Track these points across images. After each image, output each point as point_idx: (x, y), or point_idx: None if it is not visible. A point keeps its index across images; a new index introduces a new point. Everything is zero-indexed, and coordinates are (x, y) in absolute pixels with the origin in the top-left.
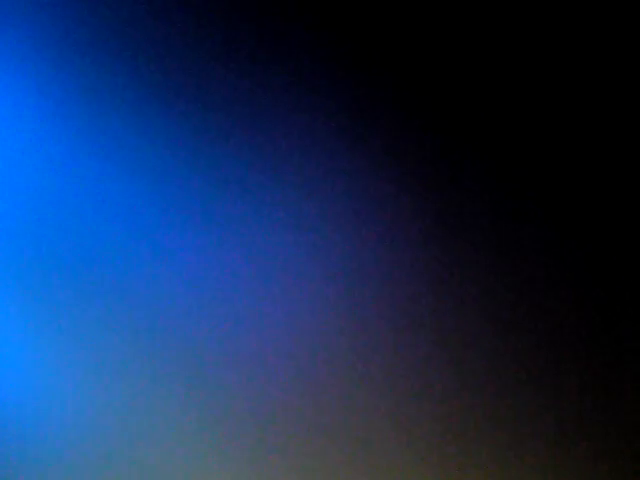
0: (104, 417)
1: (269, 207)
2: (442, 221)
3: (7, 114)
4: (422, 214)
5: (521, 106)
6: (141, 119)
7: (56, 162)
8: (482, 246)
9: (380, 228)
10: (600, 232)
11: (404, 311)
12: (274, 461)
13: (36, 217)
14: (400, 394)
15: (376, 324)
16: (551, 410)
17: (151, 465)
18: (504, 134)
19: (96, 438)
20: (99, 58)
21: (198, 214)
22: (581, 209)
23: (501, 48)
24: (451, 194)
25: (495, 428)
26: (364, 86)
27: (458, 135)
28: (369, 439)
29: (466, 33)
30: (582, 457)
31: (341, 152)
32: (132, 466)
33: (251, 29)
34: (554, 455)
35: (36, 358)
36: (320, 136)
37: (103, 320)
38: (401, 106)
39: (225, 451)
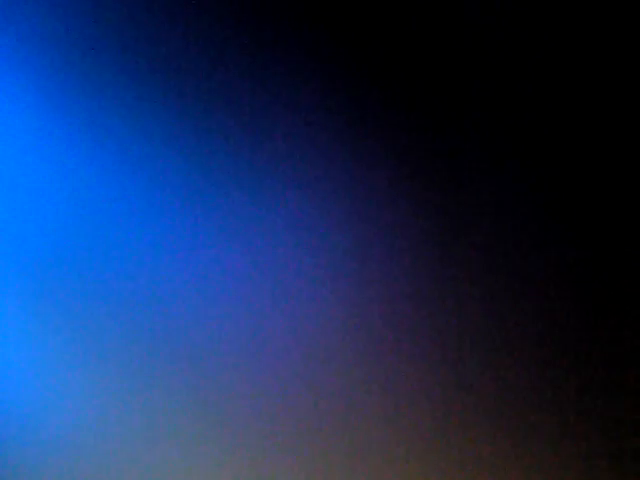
0: (105, 417)
1: (269, 207)
2: (443, 221)
3: (7, 114)
4: (423, 214)
5: (521, 105)
6: (141, 118)
7: (56, 161)
8: (483, 246)
9: (380, 228)
10: (601, 232)
11: (405, 311)
12: (274, 462)
13: (36, 215)
14: (401, 394)
15: (376, 324)
16: (551, 410)
17: (151, 465)
18: (504, 134)
19: (97, 438)
20: (99, 58)
21: (198, 214)
22: (582, 209)
23: (500, 46)
24: (451, 194)
25: (495, 428)
26: (364, 86)
27: (458, 135)
28: (370, 440)
29: (465, 32)
30: (582, 457)
31: (341, 152)
32: (132, 467)
33: (251, 29)
34: (554, 455)
35: (36, 357)
36: (320, 136)
37: (103, 319)
38: (401, 106)
39: (226, 451)
